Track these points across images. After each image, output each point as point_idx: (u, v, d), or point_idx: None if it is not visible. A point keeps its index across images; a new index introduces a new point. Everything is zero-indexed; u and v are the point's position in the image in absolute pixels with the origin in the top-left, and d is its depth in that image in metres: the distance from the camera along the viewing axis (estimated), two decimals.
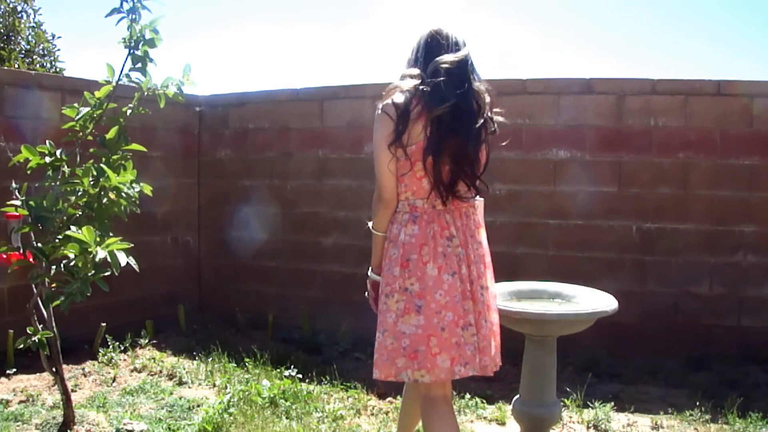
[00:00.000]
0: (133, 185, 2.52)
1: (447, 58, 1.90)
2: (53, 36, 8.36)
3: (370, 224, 2.02)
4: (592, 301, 2.38)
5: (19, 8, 8.11)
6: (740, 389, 3.28)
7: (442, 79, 1.87)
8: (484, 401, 3.18)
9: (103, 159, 2.53)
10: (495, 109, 2.00)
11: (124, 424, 2.77)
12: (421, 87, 1.88)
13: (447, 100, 1.85)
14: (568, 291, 2.54)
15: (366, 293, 2.11)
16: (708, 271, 3.92)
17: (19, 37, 8.13)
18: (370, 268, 2.06)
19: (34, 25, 8.26)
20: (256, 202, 4.94)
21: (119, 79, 2.55)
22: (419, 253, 1.90)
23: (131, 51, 2.50)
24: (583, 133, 4.08)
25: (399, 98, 1.89)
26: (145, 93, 2.63)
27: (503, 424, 2.98)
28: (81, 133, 2.58)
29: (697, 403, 3.07)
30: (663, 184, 3.98)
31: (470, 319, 1.91)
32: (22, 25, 8.10)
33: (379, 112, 1.92)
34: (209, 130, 5.16)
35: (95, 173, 2.44)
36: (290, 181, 4.84)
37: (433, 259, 1.90)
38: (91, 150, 2.61)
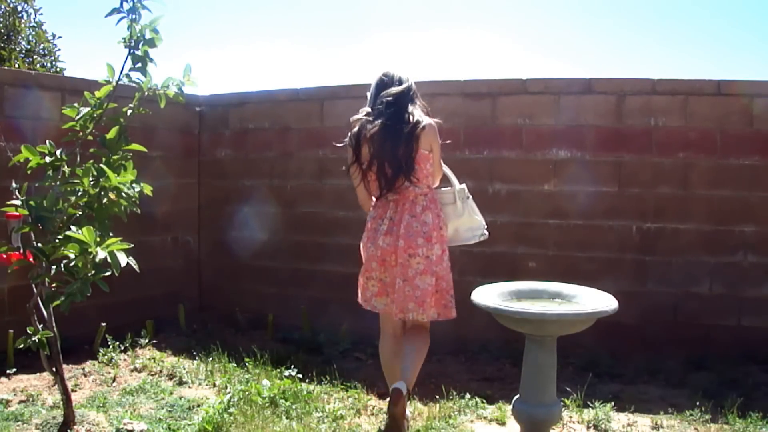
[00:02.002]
0: (133, 185, 2.52)
1: (388, 92, 2.67)
2: (54, 36, 8.38)
3: None
4: (592, 301, 2.38)
5: (19, 8, 8.12)
6: (740, 389, 3.28)
7: (380, 107, 2.65)
8: (484, 401, 3.18)
9: (104, 159, 2.53)
10: (435, 120, 2.73)
11: (124, 424, 2.77)
12: (368, 117, 2.67)
13: (376, 122, 2.62)
14: (569, 291, 2.54)
15: None
16: (708, 271, 3.92)
17: (20, 37, 8.14)
18: None
19: (35, 24, 8.26)
20: (256, 202, 4.94)
21: (119, 79, 2.55)
22: (366, 228, 2.79)
23: (131, 51, 2.50)
24: (583, 133, 4.08)
25: (354, 131, 2.70)
26: (146, 93, 2.63)
27: (503, 424, 2.98)
28: (81, 133, 2.58)
29: (697, 403, 3.06)
30: (663, 184, 3.98)
31: (374, 274, 2.73)
32: (23, 25, 8.10)
33: (346, 143, 2.74)
34: (209, 130, 5.15)
35: (95, 173, 2.44)
36: (290, 181, 4.84)
37: (366, 232, 2.78)
38: (92, 150, 2.61)
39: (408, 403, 2.92)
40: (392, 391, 2.57)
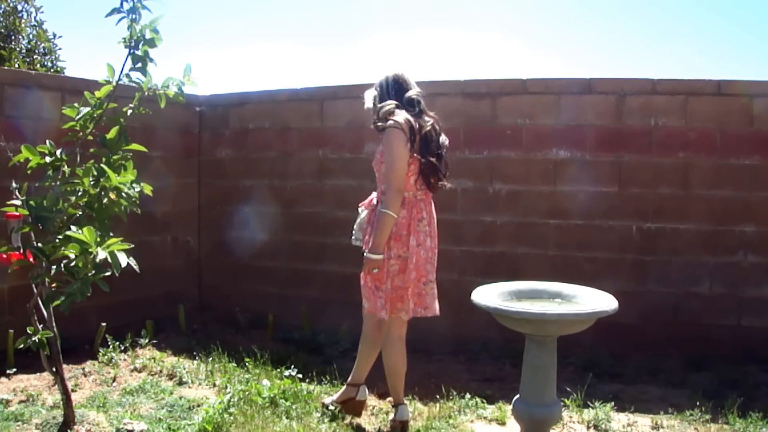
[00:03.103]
0: (134, 185, 2.52)
1: (415, 92, 2.72)
2: (54, 35, 8.36)
3: (390, 213, 2.61)
4: (593, 301, 2.38)
5: (19, 7, 8.11)
6: (740, 389, 3.29)
7: (419, 107, 2.70)
8: (484, 401, 3.18)
9: (104, 159, 2.53)
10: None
11: (124, 424, 2.77)
12: (413, 110, 2.68)
13: (427, 121, 2.68)
14: (569, 291, 2.54)
15: (366, 270, 2.69)
16: (708, 271, 3.92)
17: (20, 37, 8.12)
18: (373, 251, 2.64)
19: (36, 24, 8.24)
20: (256, 202, 4.94)
21: (119, 79, 2.55)
22: (407, 229, 2.67)
23: (131, 51, 2.50)
24: (583, 133, 4.08)
25: (406, 116, 2.63)
26: (146, 93, 2.62)
27: (503, 424, 2.98)
28: (81, 133, 2.58)
29: (698, 403, 3.07)
30: (663, 184, 3.98)
31: (430, 277, 2.71)
32: (23, 25, 8.09)
33: (395, 128, 2.60)
34: (209, 130, 5.15)
35: (95, 173, 2.44)
36: (290, 181, 4.84)
37: (414, 234, 2.67)
38: (92, 150, 2.61)
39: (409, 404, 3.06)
40: (402, 417, 2.83)
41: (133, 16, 2.45)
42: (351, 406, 2.91)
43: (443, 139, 2.78)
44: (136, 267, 2.29)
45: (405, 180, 2.64)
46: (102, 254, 2.19)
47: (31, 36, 8.24)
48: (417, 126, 2.63)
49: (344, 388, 2.96)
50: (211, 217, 5.16)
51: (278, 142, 4.88)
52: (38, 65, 8.10)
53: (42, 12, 8.26)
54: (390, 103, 2.69)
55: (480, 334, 3.99)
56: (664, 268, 3.98)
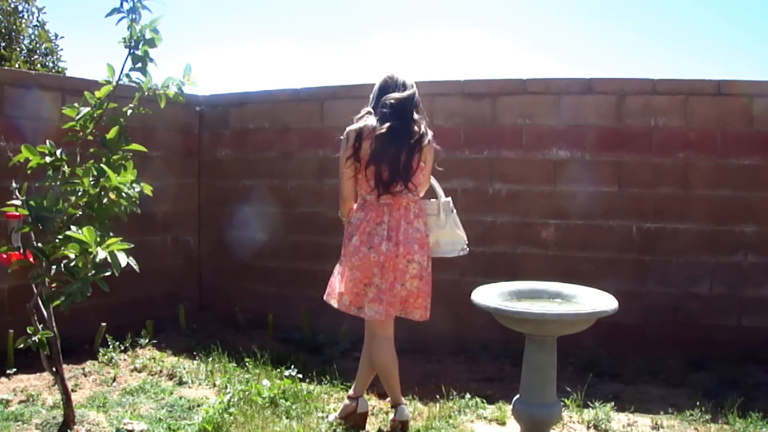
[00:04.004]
0: (134, 185, 2.52)
1: (392, 96, 2.68)
2: (56, 36, 8.36)
3: (340, 216, 2.83)
4: (593, 301, 2.38)
5: (20, 8, 8.11)
6: (740, 389, 3.29)
7: (387, 110, 2.66)
8: (484, 401, 3.18)
9: (104, 159, 2.53)
10: (430, 135, 2.73)
11: (124, 424, 2.77)
12: (371, 116, 2.70)
13: (385, 124, 2.62)
14: (569, 291, 2.54)
15: None
16: (708, 271, 3.92)
17: (21, 37, 8.13)
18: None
19: (38, 24, 8.25)
20: (256, 202, 4.94)
21: (119, 79, 2.55)
22: (358, 231, 2.70)
23: (131, 51, 2.50)
24: (583, 133, 4.08)
25: (357, 125, 2.70)
26: (146, 93, 2.63)
27: (503, 424, 2.98)
28: (81, 133, 2.58)
29: (698, 403, 3.07)
30: (663, 184, 3.98)
31: (374, 281, 2.67)
32: (23, 25, 8.10)
33: (343, 135, 2.70)
34: (209, 130, 5.15)
35: (95, 173, 2.44)
36: (290, 181, 4.84)
37: (359, 235, 2.69)
38: (92, 150, 2.61)
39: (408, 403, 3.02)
40: (402, 417, 2.80)
41: (133, 16, 2.45)
42: (353, 419, 2.87)
43: (419, 138, 2.66)
44: (136, 267, 2.29)
45: (364, 183, 2.69)
46: (102, 254, 2.19)
47: (32, 36, 8.24)
48: (367, 131, 2.64)
49: (344, 402, 2.93)
50: (211, 217, 5.16)
51: (278, 142, 4.88)
52: (39, 65, 8.10)
53: (44, 13, 8.28)
54: (363, 111, 2.75)
55: (480, 334, 3.99)
56: (664, 268, 3.98)
